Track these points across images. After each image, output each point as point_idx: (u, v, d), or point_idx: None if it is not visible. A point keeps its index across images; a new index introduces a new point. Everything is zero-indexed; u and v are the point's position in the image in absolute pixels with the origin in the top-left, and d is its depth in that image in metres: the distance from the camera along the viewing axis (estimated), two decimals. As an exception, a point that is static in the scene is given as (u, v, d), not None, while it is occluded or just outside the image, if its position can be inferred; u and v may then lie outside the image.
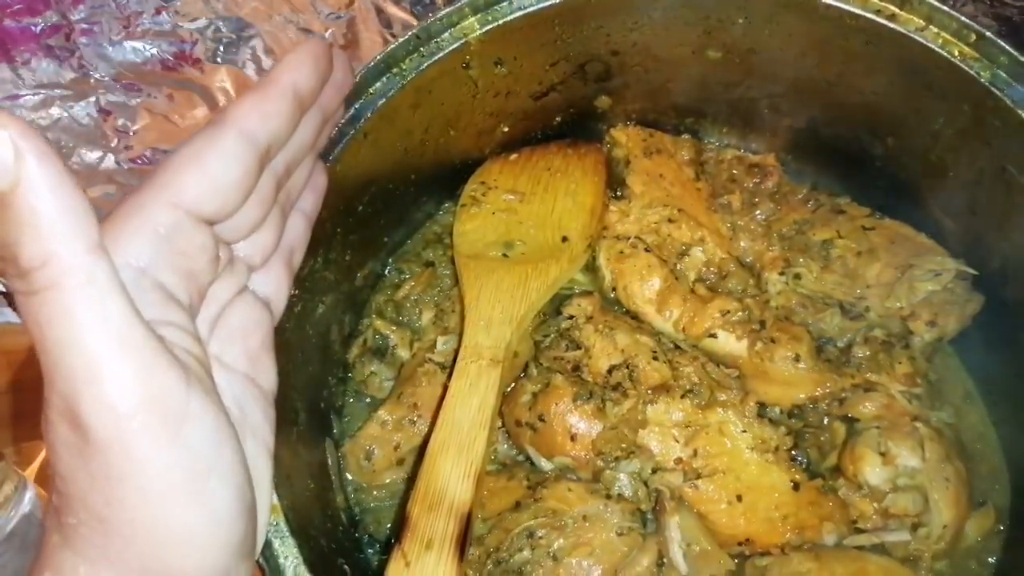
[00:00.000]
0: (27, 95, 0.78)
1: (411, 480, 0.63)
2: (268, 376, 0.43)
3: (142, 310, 0.32)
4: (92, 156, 0.79)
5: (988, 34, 0.51)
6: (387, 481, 0.63)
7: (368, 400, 0.67)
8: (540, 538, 0.54)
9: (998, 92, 0.52)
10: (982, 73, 0.52)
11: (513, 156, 0.73)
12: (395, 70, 0.58)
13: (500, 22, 0.59)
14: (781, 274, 0.66)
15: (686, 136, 0.75)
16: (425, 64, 0.58)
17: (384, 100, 0.57)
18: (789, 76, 0.65)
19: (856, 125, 0.65)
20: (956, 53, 0.53)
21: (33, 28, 0.77)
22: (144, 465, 0.32)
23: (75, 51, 0.77)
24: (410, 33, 0.57)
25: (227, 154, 0.36)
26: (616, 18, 0.62)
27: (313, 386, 0.61)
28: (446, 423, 0.50)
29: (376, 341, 0.67)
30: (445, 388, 0.57)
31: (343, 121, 0.56)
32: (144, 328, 0.32)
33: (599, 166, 0.71)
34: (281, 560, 0.44)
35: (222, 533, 0.35)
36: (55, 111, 0.78)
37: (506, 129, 0.70)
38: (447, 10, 0.58)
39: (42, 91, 0.77)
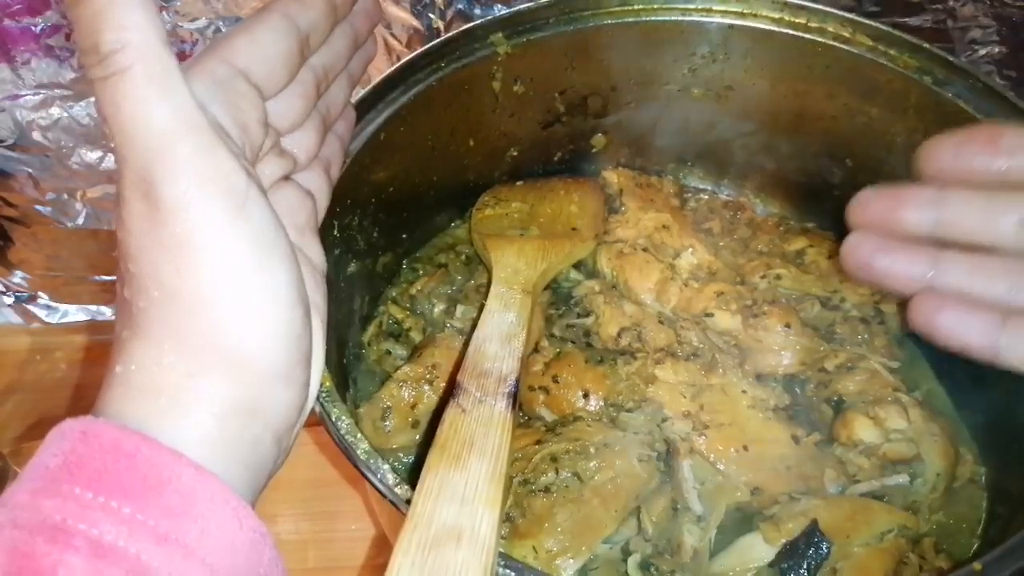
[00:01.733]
0: (27, 95, 0.80)
1: (425, 443, 0.64)
2: (316, 252, 0.46)
3: None
4: (92, 156, 0.81)
5: (924, 45, 0.64)
6: (399, 445, 0.63)
7: (381, 378, 0.68)
8: (564, 461, 0.55)
9: (938, 89, 0.63)
10: (924, 77, 0.64)
11: (519, 183, 0.81)
12: (433, 65, 0.67)
13: (524, 39, 0.69)
14: (763, 276, 0.73)
15: (669, 177, 0.85)
16: (461, 63, 0.67)
17: (424, 88, 0.66)
18: (761, 112, 0.76)
19: (818, 153, 0.76)
20: (900, 65, 0.65)
21: (33, 28, 0.78)
22: (210, 231, 0.34)
23: (75, 51, 0.79)
24: (448, 35, 0.67)
25: (273, 28, 0.41)
26: (618, 51, 0.73)
27: (339, 338, 0.63)
28: (486, 325, 0.53)
29: (391, 325, 0.70)
30: (462, 353, 0.61)
31: (388, 99, 0.64)
32: (207, 119, 0.35)
33: (598, 190, 0.80)
34: (334, 418, 0.45)
35: (281, 314, 0.37)
36: (55, 111, 0.80)
37: (515, 153, 0.79)
38: (479, 22, 0.68)
39: (42, 91, 0.79)
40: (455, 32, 0.67)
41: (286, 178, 0.46)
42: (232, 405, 0.36)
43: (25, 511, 0.32)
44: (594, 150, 0.83)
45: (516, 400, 0.46)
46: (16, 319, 0.84)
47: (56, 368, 0.81)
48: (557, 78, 0.75)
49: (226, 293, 0.35)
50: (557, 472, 0.55)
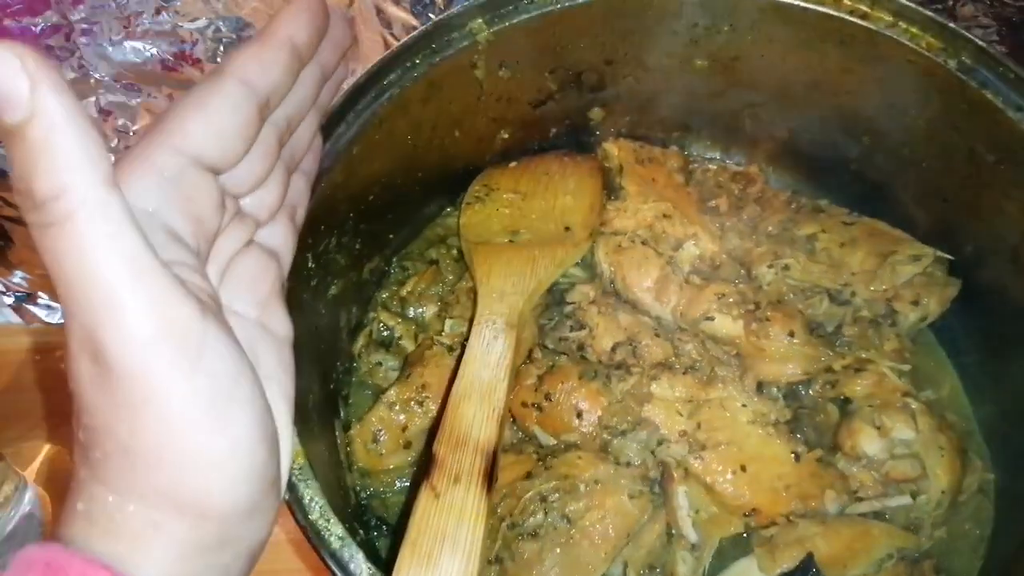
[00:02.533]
0: (27, 95, 0.78)
1: (419, 463, 0.63)
2: (281, 322, 0.43)
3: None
4: (91, 156, 0.79)
5: (951, 25, 0.57)
6: (393, 466, 0.63)
7: (373, 391, 0.67)
8: (553, 502, 0.54)
9: (964, 76, 0.57)
10: (948, 61, 0.57)
11: (513, 164, 0.77)
12: (408, 63, 0.61)
13: (506, 24, 0.63)
14: (770, 266, 0.69)
15: (674, 148, 0.79)
16: (437, 59, 0.62)
17: (398, 90, 0.61)
18: (770, 83, 0.70)
19: (832, 127, 0.70)
20: (923, 45, 0.58)
21: (33, 28, 0.76)
22: (165, 393, 0.32)
23: (75, 51, 0.77)
24: (422, 28, 0.61)
25: (228, 101, 0.37)
26: (611, 26, 0.67)
27: (324, 366, 0.62)
28: (466, 375, 0.51)
29: (381, 333, 0.69)
30: (453, 371, 0.60)
31: (359, 108, 0.59)
32: (158, 262, 0.32)
33: (595, 171, 0.75)
34: (306, 500, 0.45)
35: (245, 461, 0.35)
36: (55, 111, 0.78)
37: (506, 136, 0.74)
38: (456, 9, 0.62)
39: (42, 91, 0.77)
40: (427, 25, 0.61)
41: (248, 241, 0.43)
42: (198, 545, 0.35)
43: None
44: (592, 123, 0.78)
45: (492, 479, 0.45)
46: (16, 319, 0.83)
47: (56, 368, 0.81)
48: (546, 58, 0.69)
49: (185, 452, 0.33)
50: (546, 513, 0.54)
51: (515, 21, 0.64)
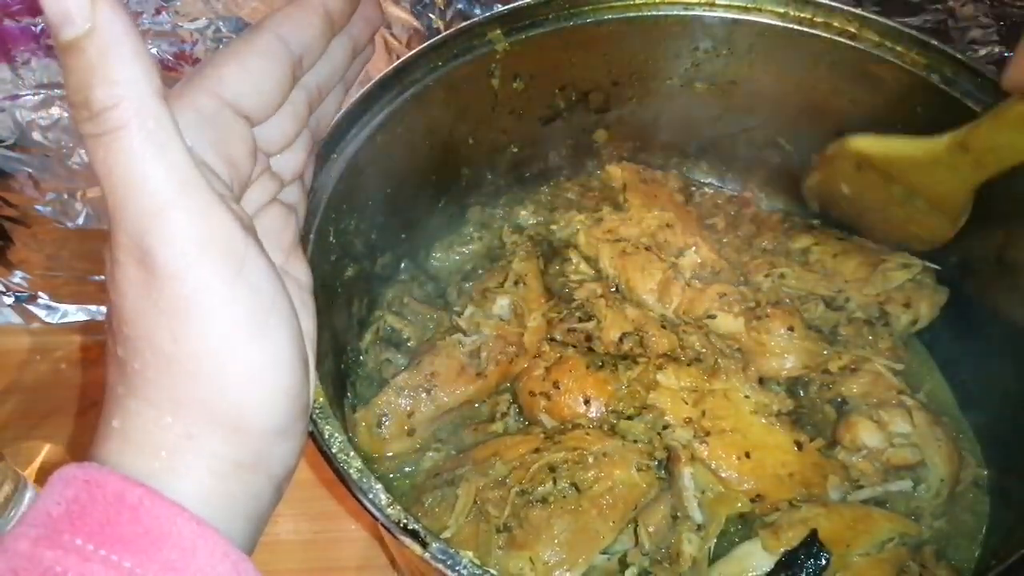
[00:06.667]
0: (27, 95, 0.78)
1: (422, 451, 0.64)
2: (302, 270, 0.46)
3: None
4: (92, 156, 0.81)
5: (933, 42, 0.62)
6: (394, 452, 0.63)
7: (380, 385, 0.67)
8: (562, 471, 0.55)
9: (946, 88, 0.62)
10: (931, 75, 0.62)
11: None
12: (431, 64, 0.65)
13: (523, 36, 0.68)
14: (767, 275, 0.72)
15: (673, 171, 0.83)
16: (458, 62, 0.66)
17: (421, 88, 0.64)
18: (765, 107, 0.75)
19: (824, 148, 0.74)
20: (908, 61, 0.63)
21: (33, 28, 0.77)
22: (209, 297, 0.34)
23: None
24: (444, 33, 0.66)
25: (264, 54, 0.39)
26: (620, 46, 0.72)
27: (337, 343, 0.63)
28: None
29: (388, 332, 0.70)
30: (462, 363, 0.62)
31: (384, 100, 0.63)
32: (203, 178, 0.34)
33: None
34: (326, 435, 0.45)
35: (281, 376, 0.36)
36: (55, 111, 0.79)
37: (515, 150, 0.78)
38: (477, 19, 0.67)
39: (42, 91, 0.78)
40: (452, 31, 0.66)
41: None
42: (233, 463, 0.36)
43: (26, 561, 0.32)
44: (596, 145, 0.82)
45: None
46: (16, 319, 0.84)
47: (56, 368, 0.81)
48: (557, 74, 0.73)
49: (225, 361, 0.34)
50: (555, 482, 0.54)
51: (531, 34, 0.68)
